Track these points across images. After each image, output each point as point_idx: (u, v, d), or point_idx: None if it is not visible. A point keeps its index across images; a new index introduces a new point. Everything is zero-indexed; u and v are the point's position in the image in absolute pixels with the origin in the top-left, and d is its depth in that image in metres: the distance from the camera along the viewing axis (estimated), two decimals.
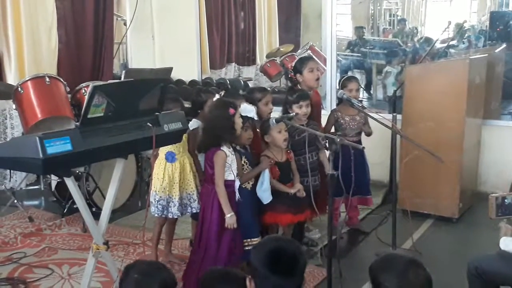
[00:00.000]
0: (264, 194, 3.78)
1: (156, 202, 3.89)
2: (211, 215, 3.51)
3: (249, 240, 3.65)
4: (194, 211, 4.03)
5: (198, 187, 3.95)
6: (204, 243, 3.55)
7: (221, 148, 3.46)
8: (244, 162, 3.72)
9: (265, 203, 3.80)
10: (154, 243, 4.16)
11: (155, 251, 4.15)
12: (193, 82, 7.15)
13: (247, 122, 3.66)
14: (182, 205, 3.94)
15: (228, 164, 3.48)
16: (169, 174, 3.89)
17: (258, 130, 4.02)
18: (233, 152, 3.54)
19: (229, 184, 3.50)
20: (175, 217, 4.01)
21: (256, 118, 3.80)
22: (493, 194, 2.98)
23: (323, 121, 4.68)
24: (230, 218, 3.45)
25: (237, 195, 3.53)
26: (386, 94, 6.45)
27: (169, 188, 3.89)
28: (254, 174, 3.78)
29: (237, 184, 3.53)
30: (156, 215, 3.96)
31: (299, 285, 2.18)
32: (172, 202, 3.91)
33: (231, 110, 3.44)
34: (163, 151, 3.88)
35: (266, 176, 3.76)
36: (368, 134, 4.70)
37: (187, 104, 4.64)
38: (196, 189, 3.97)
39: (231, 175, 3.50)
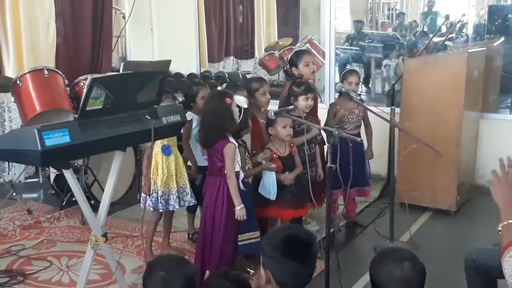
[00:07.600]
0: (264, 191, 3.82)
1: (160, 198, 3.89)
2: (221, 207, 3.47)
3: (250, 233, 3.64)
4: (188, 204, 4.06)
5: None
6: (209, 236, 3.52)
7: (230, 140, 3.44)
8: (247, 156, 3.71)
9: (267, 197, 3.82)
10: (149, 242, 4.10)
11: (150, 249, 4.10)
12: (191, 76, 7.14)
13: (244, 114, 3.64)
14: (179, 197, 3.95)
15: (236, 156, 3.47)
16: (167, 167, 3.91)
17: (260, 121, 4.04)
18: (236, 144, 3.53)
19: (236, 176, 3.47)
20: (174, 209, 4.02)
21: (246, 106, 3.77)
22: None
23: (320, 114, 4.67)
24: (240, 210, 3.43)
25: (241, 186, 3.51)
26: (384, 88, 6.45)
27: (167, 182, 3.91)
28: (257, 172, 3.79)
29: (241, 175, 3.52)
30: (161, 210, 3.95)
31: (312, 272, 2.23)
32: (171, 195, 3.93)
33: (228, 100, 3.41)
34: (158, 144, 3.85)
35: (267, 178, 3.79)
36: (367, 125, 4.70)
37: (181, 98, 4.64)
38: (188, 183, 3.99)
39: (237, 166, 3.48)
